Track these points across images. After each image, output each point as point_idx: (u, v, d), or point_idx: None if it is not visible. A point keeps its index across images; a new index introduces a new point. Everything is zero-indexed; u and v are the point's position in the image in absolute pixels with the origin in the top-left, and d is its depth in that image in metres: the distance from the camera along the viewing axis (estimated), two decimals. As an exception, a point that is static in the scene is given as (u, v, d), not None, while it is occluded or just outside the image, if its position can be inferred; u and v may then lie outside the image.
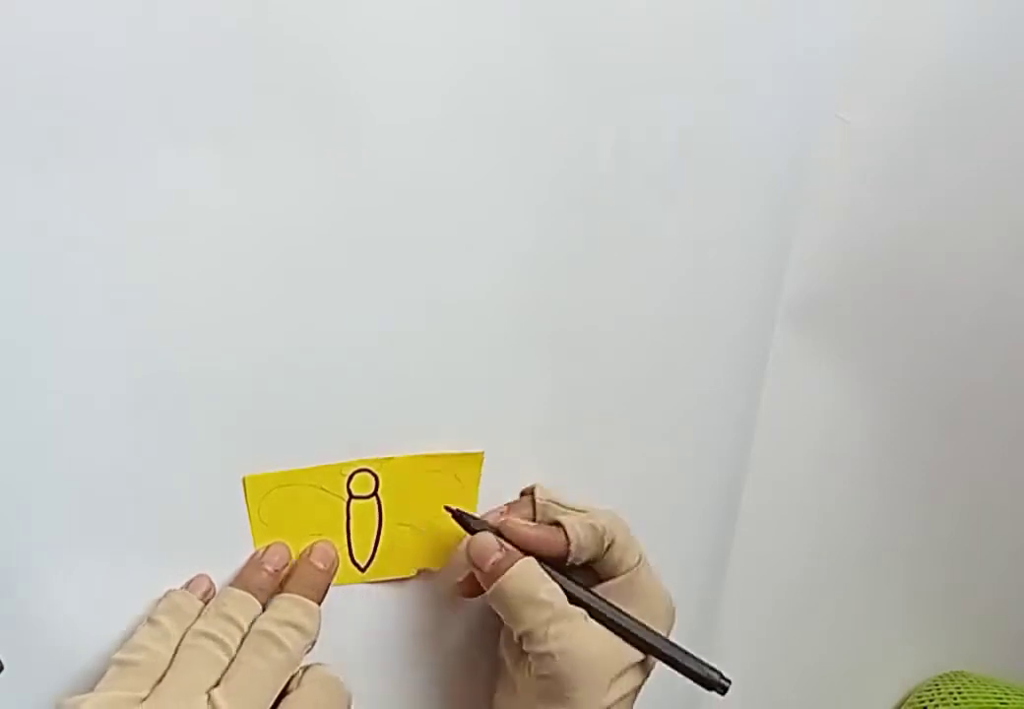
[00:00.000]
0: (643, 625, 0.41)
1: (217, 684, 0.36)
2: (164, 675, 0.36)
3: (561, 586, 0.41)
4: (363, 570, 0.44)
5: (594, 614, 0.41)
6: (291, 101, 0.36)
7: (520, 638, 0.40)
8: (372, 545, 0.44)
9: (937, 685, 0.68)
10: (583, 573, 0.43)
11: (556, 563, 0.41)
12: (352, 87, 0.37)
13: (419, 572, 0.45)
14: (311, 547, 0.42)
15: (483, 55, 0.39)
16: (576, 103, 0.41)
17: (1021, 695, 0.65)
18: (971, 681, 0.68)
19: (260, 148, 0.37)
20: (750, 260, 0.49)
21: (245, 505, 0.40)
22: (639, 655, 0.41)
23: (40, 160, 0.34)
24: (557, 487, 0.44)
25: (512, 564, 0.40)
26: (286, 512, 0.41)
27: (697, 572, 0.55)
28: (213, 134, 0.36)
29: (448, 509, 0.43)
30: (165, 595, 0.39)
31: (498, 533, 0.42)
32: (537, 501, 0.43)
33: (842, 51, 0.47)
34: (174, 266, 0.37)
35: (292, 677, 0.39)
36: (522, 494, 0.44)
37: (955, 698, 0.66)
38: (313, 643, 0.39)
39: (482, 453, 0.44)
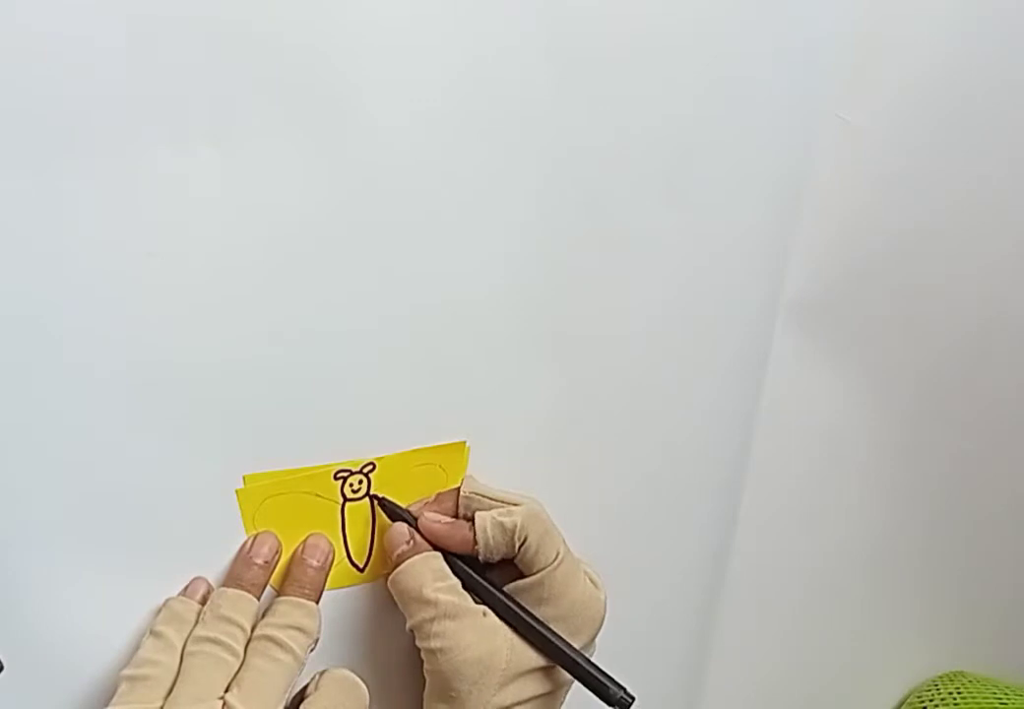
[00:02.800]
0: (546, 628, 0.40)
1: (228, 689, 0.36)
2: (174, 685, 0.36)
3: (465, 582, 0.41)
4: (362, 571, 0.44)
5: (498, 613, 0.40)
6: (290, 100, 0.36)
7: (411, 631, 0.40)
8: (368, 545, 0.44)
9: (937, 685, 0.68)
10: (507, 569, 0.42)
11: (471, 559, 0.41)
12: (350, 86, 0.37)
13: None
14: (303, 543, 0.42)
15: (482, 54, 0.39)
16: (576, 103, 0.41)
17: (1021, 695, 0.65)
18: (971, 681, 0.68)
19: (259, 147, 0.37)
20: (750, 260, 0.49)
21: (239, 517, 0.40)
22: (540, 661, 0.40)
23: (40, 158, 0.34)
24: (557, 486, 0.45)
25: (413, 557, 0.41)
26: (281, 521, 0.41)
27: (697, 573, 0.55)
28: (212, 132, 0.36)
29: (374, 497, 0.43)
30: (164, 604, 0.39)
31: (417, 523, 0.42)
32: (461, 494, 0.43)
33: (842, 50, 0.47)
34: (173, 265, 0.37)
35: (311, 680, 0.39)
36: (463, 481, 0.44)
37: (955, 698, 0.66)
38: (316, 642, 0.39)
39: (465, 442, 0.44)
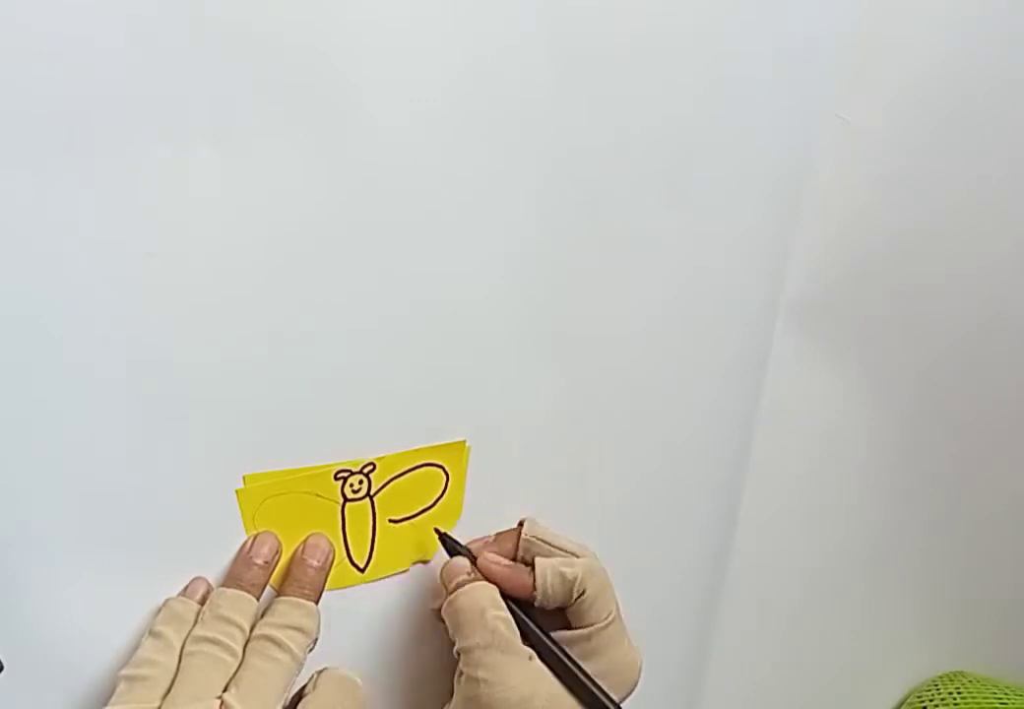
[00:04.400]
0: (591, 681, 0.40)
1: (226, 688, 0.36)
2: (172, 685, 0.36)
3: (518, 624, 0.40)
4: (362, 571, 0.44)
5: (543, 658, 0.40)
6: (290, 100, 0.36)
7: (458, 653, 0.40)
8: (369, 545, 0.44)
9: (937, 685, 0.68)
10: (556, 617, 0.42)
11: (524, 603, 0.41)
12: (351, 86, 0.37)
13: (413, 564, 0.45)
14: (303, 543, 0.41)
15: (482, 54, 0.39)
16: (576, 103, 0.41)
17: (1021, 695, 0.65)
18: (971, 681, 0.68)
19: (259, 146, 0.37)
20: (750, 260, 0.49)
21: (239, 518, 0.40)
22: None
23: (40, 158, 0.34)
24: (557, 486, 0.44)
25: (474, 582, 0.41)
26: (281, 521, 0.41)
27: (697, 573, 0.55)
28: (212, 132, 0.36)
29: (437, 531, 0.43)
30: (164, 604, 0.39)
31: (476, 562, 0.42)
32: (523, 536, 0.43)
33: (842, 50, 0.47)
34: (173, 265, 0.37)
35: (309, 679, 0.39)
36: (519, 524, 0.44)
37: (955, 698, 0.66)
38: (315, 642, 0.39)
39: (464, 441, 0.44)
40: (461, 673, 0.40)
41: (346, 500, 0.42)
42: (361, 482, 0.42)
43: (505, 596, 0.41)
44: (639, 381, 0.48)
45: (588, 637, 0.41)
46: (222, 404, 0.39)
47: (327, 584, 0.43)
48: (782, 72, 0.46)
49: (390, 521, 0.44)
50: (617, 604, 0.42)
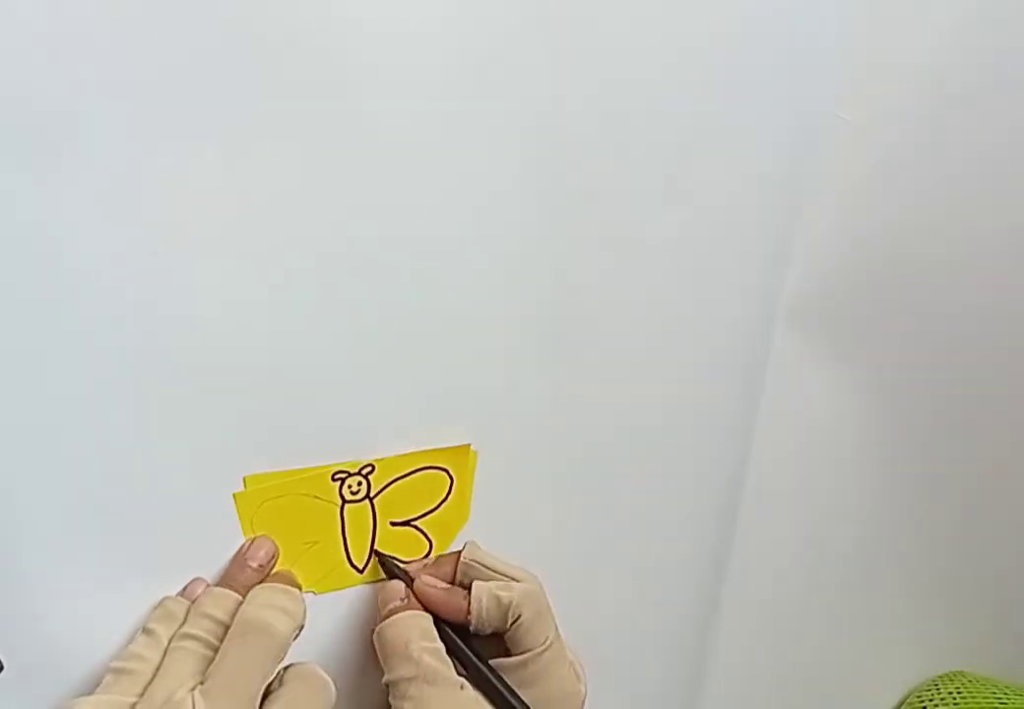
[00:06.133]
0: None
1: (203, 681, 0.36)
2: (152, 679, 0.36)
3: (451, 650, 0.40)
4: (361, 571, 0.44)
5: (480, 686, 0.40)
6: (294, 100, 0.36)
7: (386, 685, 0.40)
8: (368, 546, 0.44)
9: (937, 685, 0.68)
10: (495, 644, 0.41)
11: (463, 629, 0.41)
12: (353, 86, 0.37)
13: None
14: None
15: (484, 56, 0.39)
16: (576, 103, 0.41)
17: (1021, 695, 0.65)
18: (971, 681, 0.68)
19: (261, 147, 0.37)
20: (750, 260, 0.49)
21: (237, 519, 0.40)
22: None
23: (42, 158, 0.34)
24: (557, 485, 0.44)
25: (404, 612, 0.40)
26: (279, 523, 0.41)
27: (696, 572, 0.55)
28: (215, 132, 0.36)
29: (376, 553, 0.43)
30: (160, 602, 0.39)
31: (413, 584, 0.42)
32: (461, 560, 0.42)
33: (842, 51, 0.47)
34: (175, 265, 0.37)
35: (275, 675, 0.38)
36: (464, 546, 0.43)
37: (955, 698, 0.66)
38: (301, 628, 0.38)
39: (470, 445, 0.44)
40: (390, 706, 0.40)
41: (345, 501, 0.42)
42: (360, 483, 0.42)
43: (442, 621, 0.41)
44: (639, 380, 0.48)
45: (525, 664, 0.40)
46: (222, 404, 0.39)
47: (327, 584, 0.43)
48: (782, 72, 0.45)
49: (391, 524, 0.44)
50: (556, 630, 0.42)
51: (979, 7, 0.48)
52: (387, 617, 0.40)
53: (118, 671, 0.36)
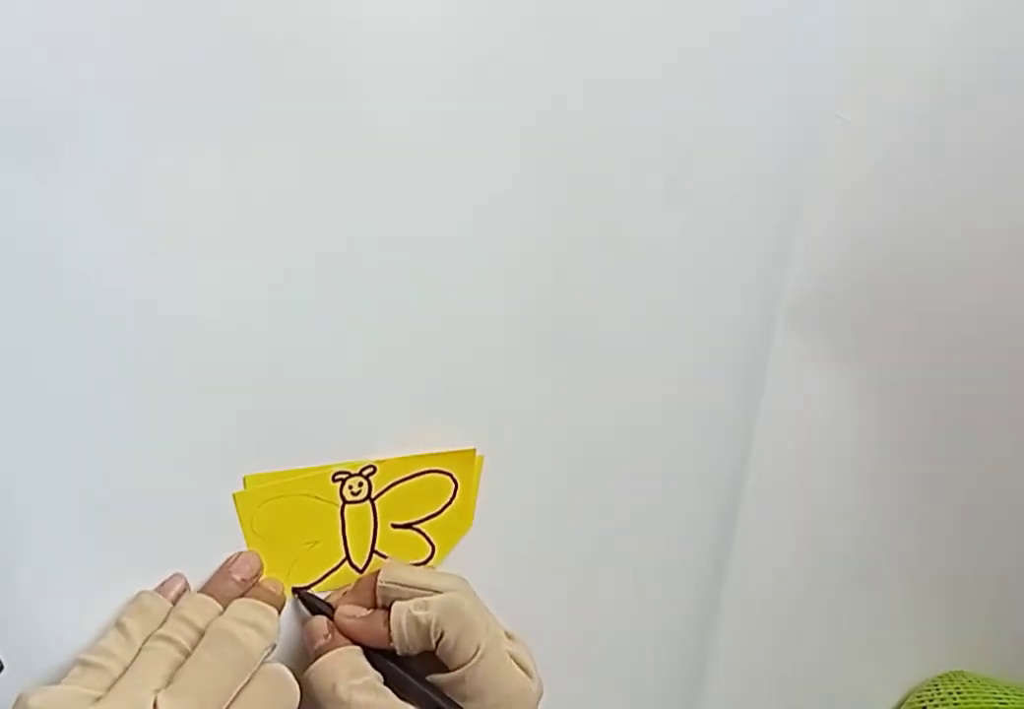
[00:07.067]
0: None
1: (169, 683, 0.35)
2: (120, 677, 0.35)
3: (388, 676, 0.39)
4: (361, 572, 0.44)
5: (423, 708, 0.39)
6: (294, 100, 0.36)
7: None
8: (369, 547, 0.44)
9: (937, 685, 0.68)
10: (432, 660, 0.40)
11: (391, 651, 0.40)
12: (353, 86, 0.37)
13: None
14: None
15: (484, 56, 0.39)
16: (577, 104, 0.41)
17: (1021, 695, 0.65)
18: (971, 681, 0.68)
19: (261, 147, 0.37)
20: (750, 260, 0.49)
21: (237, 519, 0.40)
22: None
23: (42, 158, 0.34)
24: (557, 484, 0.44)
25: (330, 651, 0.39)
26: (279, 523, 0.41)
27: (696, 572, 0.55)
28: (215, 132, 0.36)
29: (295, 590, 0.42)
30: (136, 596, 0.38)
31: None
32: (378, 584, 0.41)
33: (842, 51, 0.47)
34: (174, 265, 0.37)
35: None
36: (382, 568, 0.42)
37: (955, 698, 0.66)
38: (273, 647, 0.38)
39: (474, 450, 0.44)
40: None
41: (345, 502, 0.42)
42: (361, 484, 0.42)
43: (372, 649, 0.40)
44: (639, 380, 0.48)
45: (462, 678, 0.39)
46: (222, 404, 0.39)
47: (327, 584, 0.43)
48: (782, 72, 0.45)
49: (393, 526, 0.44)
50: (488, 634, 0.40)
51: (979, 7, 0.48)
52: (315, 659, 0.40)
53: (86, 664, 0.36)
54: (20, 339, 0.35)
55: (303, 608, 0.42)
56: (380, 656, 0.40)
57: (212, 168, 0.36)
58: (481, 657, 0.39)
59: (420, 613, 0.39)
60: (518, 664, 0.41)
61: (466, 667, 0.39)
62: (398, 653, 0.40)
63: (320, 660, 0.39)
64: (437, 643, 0.39)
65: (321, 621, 0.41)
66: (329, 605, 0.42)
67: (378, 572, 0.42)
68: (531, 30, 0.39)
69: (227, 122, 0.36)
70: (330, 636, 0.40)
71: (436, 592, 0.40)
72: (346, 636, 0.40)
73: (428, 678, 0.40)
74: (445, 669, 0.40)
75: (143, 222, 0.36)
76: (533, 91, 0.40)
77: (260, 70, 0.36)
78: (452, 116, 0.39)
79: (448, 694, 0.39)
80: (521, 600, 0.43)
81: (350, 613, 0.41)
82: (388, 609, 0.40)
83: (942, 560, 0.66)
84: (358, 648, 0.40)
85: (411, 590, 0.41)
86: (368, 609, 0.41)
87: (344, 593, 0.43)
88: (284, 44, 0.36)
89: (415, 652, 0.40)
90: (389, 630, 0.39)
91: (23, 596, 0.37)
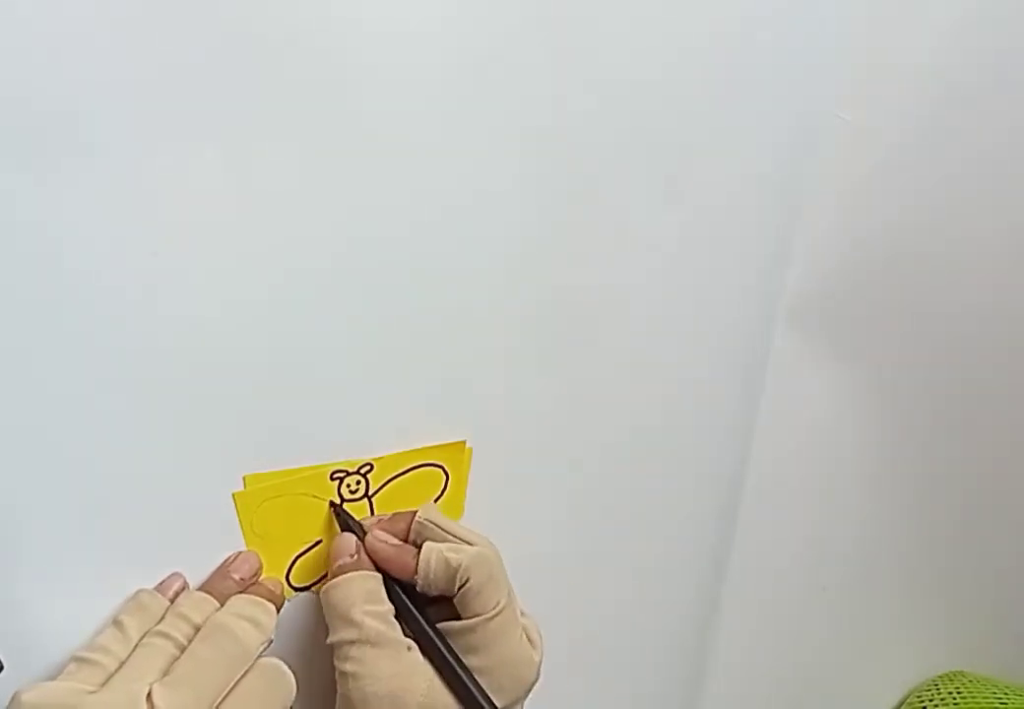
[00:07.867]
0: (470, 677, 0.38)
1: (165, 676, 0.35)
2: (116, 671, 0.35)
3: (400, 611, 0.39)
4: (360, 571, 0.44)
5: (426, 650, 0.39)
6: (295, 100, 0.36)
7: (331, 646, 0.39)
8: (368, 546, 0.44)
9: (937, 685, 0.68)
10: (447, 607, 0.40)
11: (413, 589, 0.40)
12: (353, 86, 0.37)
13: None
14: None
15: (484, 56, 0.39)
16: (576, 104, 0.41)
17: (1021, 695, 0.65)
18: (971, 681, 0.68)
19: (261, 147, 0.36)
20: (750, 260, 0.49)
21: (237, 519, 0.40)
22: (455, 707, 0.38)
23: (42, 158, 0.34)
24: (557, 484, 0.44)
25: (351, 572, 0.39)
26: (278, 522, 0.41)
27: (696, 572, 0.55)
28: (215, 132, 0.36)
29: (331, 504, 0.42)
30: (134, 594, 0.38)
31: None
32: (416, 519, 0.41)
33: (842, 51, 0.47)
34: (174, 265, 0.37)
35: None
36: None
37: (955, 698, 0.66)
38: (270, 643, 0.38)
39: (464, 442, 0.44)
40: (335, 669, 0.39)
41: (344, 500, 0.42)
42: (359, 483, 0.42)
43: (393, 581, 0.40)
44: (639, 380, 0.48)
45: (472, 628, 0.39)
46: (222, 403, 0.39)
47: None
48: (782, 72, 0.46)
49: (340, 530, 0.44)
50: (509, 595, 0.40)
51: (979, 7, 0.48)
52: (336, 575, 0.40)
53: (82, 660, 0.36)
54: (20, 339, 0.35)
55: (335, 523, 0.42)
56: (397, 591, 0.40)
57: (212, 168, 0.36)
58: (498, 613, 0.40)
59: (452, 556, 0.39)
60: (527, 636, 0.41)
61: (480, 619, 0.39)
62: (418, 589, 0.40)
63: (342, 577, 0.39)
64: (459, 589, 0.39)
65: (351, 539, 0.41)
66: (361, 526, 0.42)
67: (415, 509, 0.42)
68: (531, 30, 0.39)
69: (227, 122, 0.36)
70: (356, 557, 0.40)
71: (469, 544, 0.41)
72: (373, 559, 0.40)
73: (439, 625, 0.40)
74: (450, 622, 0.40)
75: (143, 222, 0.36)
76: (533, 91, 0.40)
77: (260, 70, 0.36)
78: (452, 116, 0.39)
79: (452, 644, 0.39)
80: (521, 600, 0.43)
81: (382, 538, 0.41)
82: (418, 547, 0.40)
83: (942, 560, 0.66)
84: (379, 576, 0.40)
85: (445, 534, 0.41)
86: (399, 541, 0.41)
87: (379, 520, 0.42)
88: (284, 44, 0.36)
89: (434, 592, 0.40)
90: (417, 564, 0.40)
91: (23, 596, 0.37)
